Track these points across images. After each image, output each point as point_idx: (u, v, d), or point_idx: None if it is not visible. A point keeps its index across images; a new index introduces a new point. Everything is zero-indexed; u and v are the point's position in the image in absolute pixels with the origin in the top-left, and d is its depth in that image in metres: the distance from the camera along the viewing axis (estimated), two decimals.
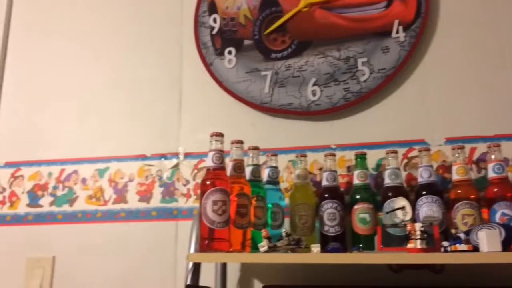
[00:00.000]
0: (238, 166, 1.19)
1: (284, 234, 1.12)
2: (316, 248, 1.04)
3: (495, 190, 1.18)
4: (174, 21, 1.68)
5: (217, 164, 1.13)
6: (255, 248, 1.13)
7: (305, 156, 1.36)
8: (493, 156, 1.21)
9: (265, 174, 1.32)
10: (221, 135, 1.16)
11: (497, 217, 1.15)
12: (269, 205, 1.28)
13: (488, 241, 0.95)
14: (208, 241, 1.07)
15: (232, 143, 1.22)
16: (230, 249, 1.11)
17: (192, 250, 1.20)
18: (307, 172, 1.35)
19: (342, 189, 1.37)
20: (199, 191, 1.17)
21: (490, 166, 1.20)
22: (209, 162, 1.14)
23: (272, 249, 1.07)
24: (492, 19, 1.42)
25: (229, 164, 1.19)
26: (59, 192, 1.62)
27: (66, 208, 1.60)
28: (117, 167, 1.60)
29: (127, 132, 1.63)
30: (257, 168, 1.27)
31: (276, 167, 1.33)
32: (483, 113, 1.37)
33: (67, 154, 1.65)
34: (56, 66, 1.75)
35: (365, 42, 1.47)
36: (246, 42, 1.58)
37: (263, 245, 1.07)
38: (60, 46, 1.77)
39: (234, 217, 1.13)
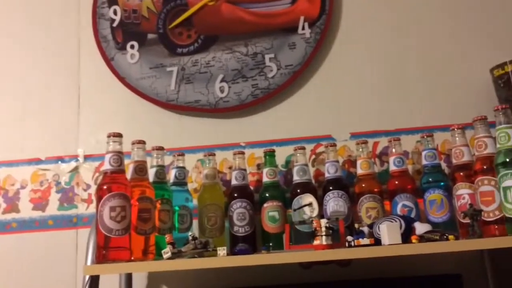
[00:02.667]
0: (140, 168, 1.11)
1: (190, 238, 1.06)
2: (222, 251, 1.00)
3: (396, 182, 1.22)
4: (70, 12, 1.55)
5: (115, 167, 1.04)
6: (160, 255, 1.06)
7: (213, 155, 1.31)
8: (393, 150, 1.25)
9: (171, 175, 1.26)
10: (119, 135, 1.07)
11: (398, 209, 1.19)
12: (176, 208, 1.22)
13: (388, 234, 0.97)
14: (105, 251, 0.98)
15: (133, 143, 1.14)
16: (132, 258, 1.03)
17: (89, 262, 1.10)
18: (215, 172, 1.30)
19: (252, 188, 1.35)
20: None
21: (391, 159, 1.24)
22: (106, 165, 1.05)
23: (176, 255, 1.01)
24: (392, 16, 1.47)
25: (129, 167, 1.11)
26: None
27: None
28: (7, 173, 1.44)
29: (19, 134, 1.47)
30: (161, 169, 1.20)
31: (183, 168, 1.27)
32: (385, 108, 1.41)
33: None
34: None
35: (272, 38, 1.45)
36: (150, 36, 1.50)
37: (167, 251, 1.00)
38: None
39: (135, 223, 1.06)
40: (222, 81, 1.44)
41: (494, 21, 1.44)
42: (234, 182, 1.28)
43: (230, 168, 1.38)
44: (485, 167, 1.06)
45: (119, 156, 1.06)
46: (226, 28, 1.47)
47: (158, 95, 1.45)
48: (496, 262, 1.20)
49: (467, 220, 1.03)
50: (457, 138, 1.18)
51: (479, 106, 1.31)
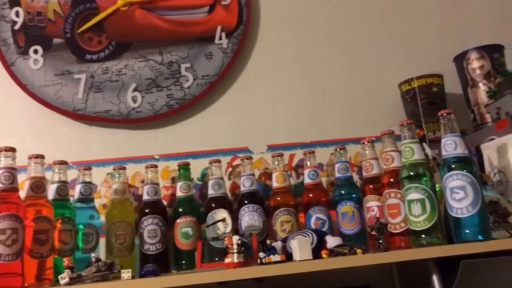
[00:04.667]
0: (37, 185, 1.02)
1: (93, 260, 0.98)
2: (127, 273, 0.94)
3: (310, 195, 1.22)
4: None
5: (6, 185, 0.94)
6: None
7: (124, 168, 1.24)
8: (308, 163, 1.25)
9: (76, 191, 1.17)
10: (11, 149, 0.97)
11: (312, 221, 1.19)
12: (80, 227, 1.13)
13: (300, 249, 0.96)
14: None
15: (29, 158, 1.04)
16: (25, 285, 0.94)
17: None
18: (125, 186, 1.23)
19: (166, 202, 1.30)
20: None
21: (306, 172, 1.24)
22: None
23: (75, 280, 0.93)
24: (309, 30, 1.49)
25: (26, 183, 1.02)
26: None
27: None
28: None
29: None
30: (63, 186, 1.11)
31: (89, 183, 1.19)
32: (301, 121, 1.42)
33: None
34: None
35: (189, 47, 1.41)
36: (56, 40, 1.39)
37: (64, 276, 0.92)
38: None
39: (30, 245, 0.96)
40: (135, 90, 1.38)
41: (404, 37, 1.50)
42: (145, 197, 1.22)
43: (142, 182, 1.32)
44: (392, 180, 1.09)
45: (11, 172, 0.95)
46: (139, 35, 1.41)
47: (64, 104, 1.35)
48: (403, 272, 1.24)
49: (375, 233, 1.05)
50: (367, 151, 1.21)
51: (390, 120, 1.36)
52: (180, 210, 1.21)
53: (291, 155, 1.38)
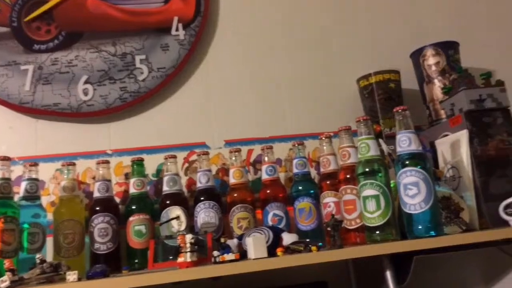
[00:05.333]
0: None
1: (38, 261, 0.93)
2: (72, 275, 0.89)
3: (268, 191, 1.21)
4: None
5: None
6: None
7: (73, 164, 1.18)
8: (266, 158, 1.23)
9: (21, 188, 1.11)
10: None
11: (269, 218, 1.18)
12: (25, 226, 1.07)
13: (254, 247, 0.94)
14: None
15: None
16: None
17: None
18: (75, 183, 1.17)
19: (119, 199, 1.25)
20: None
21: (263, 168, 1.23)
22: None
23: (17, 283, 0.88)
24: (268, 24, 1.47)
25: None
26: None
27: None
28: None
29: None
30: (6, 183, 1.04)
31: (35, 179, 1.13)
32: (259, 115, 1.40)
33: None
34: None
35: (144, 38, 1.36)
36: (1, 29, 1.31)
37: (4, 279, 0.87)
38: None
39: None
40: (86, 82, 1.32)
41: (362, 34, 1.50)
42: (96, 194, 1.17)
43: (94, 178, 1.26)
44: (348, 176, 1.09)
45: None
46: (91, 24, 1.34)
47: (10, 96, 1.28)
48: (359, 268, 1.25)
49: (330, 229, 1.04)
50: (324, 147, 1.20)
51: (349, 115, 1.35)
52: (133, 207, 1.17)
53: (249, 151, 1.36)
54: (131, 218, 1.16)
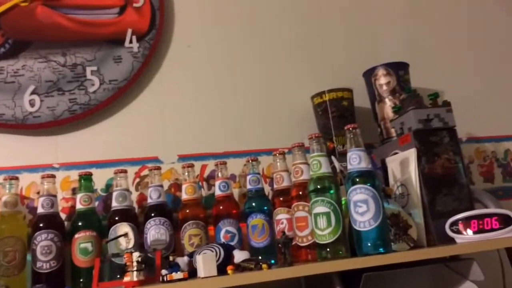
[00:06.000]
0: None
1: None
2: None
3: (221, 207, 1.19)
4: None
5: None
6: None
7: (16, 178, 1.13)
8: (219, 174, 1.22)
9: None
10: None
11: (222, 235, 1.16)
12: None
13: (204, 265, 0.92)
14: None
15: None
16: None
17: None
18: (17, 198, 1.12)
19: (65, 215, 1.20)
20: None
21: (217, 183, 1.21)
22: None
23: None
24: (225, 39, 1.47)
25: None
26: None
27: None
28: None
29: None
30: None
31: None
32: (213, 130, 1.38)
33: None
34: None
35: (96, 49, 1.33)
36: None
37: None
38: None
39: None
40: (33, 93, 1.26)
41: (317, 52, 1.53)
42: (40, 210, 1.12)
43: (38, 193, 1.21)
44: (300, 193, 1.09)
45: None
46: (41, 33, 1.30)
47: None
48: (312, 285, 1.24)
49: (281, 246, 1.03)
50: (278, 163, 1.20)
51: (302, 132, 1.36)
52: (79, 224, 1.13)
53: (203, 166, 1.34)
54: (76, 235, 1.11)
